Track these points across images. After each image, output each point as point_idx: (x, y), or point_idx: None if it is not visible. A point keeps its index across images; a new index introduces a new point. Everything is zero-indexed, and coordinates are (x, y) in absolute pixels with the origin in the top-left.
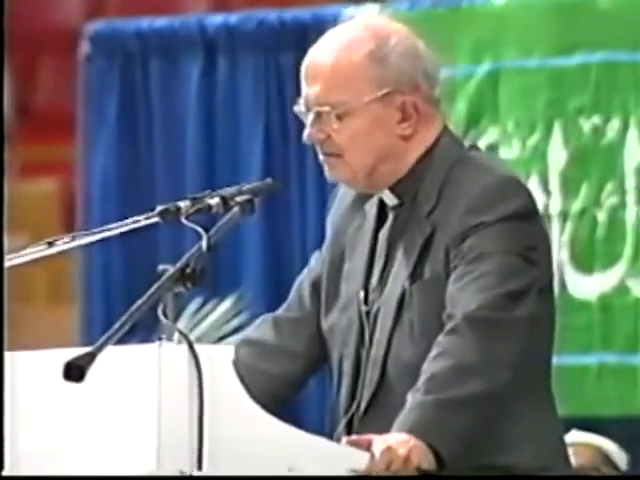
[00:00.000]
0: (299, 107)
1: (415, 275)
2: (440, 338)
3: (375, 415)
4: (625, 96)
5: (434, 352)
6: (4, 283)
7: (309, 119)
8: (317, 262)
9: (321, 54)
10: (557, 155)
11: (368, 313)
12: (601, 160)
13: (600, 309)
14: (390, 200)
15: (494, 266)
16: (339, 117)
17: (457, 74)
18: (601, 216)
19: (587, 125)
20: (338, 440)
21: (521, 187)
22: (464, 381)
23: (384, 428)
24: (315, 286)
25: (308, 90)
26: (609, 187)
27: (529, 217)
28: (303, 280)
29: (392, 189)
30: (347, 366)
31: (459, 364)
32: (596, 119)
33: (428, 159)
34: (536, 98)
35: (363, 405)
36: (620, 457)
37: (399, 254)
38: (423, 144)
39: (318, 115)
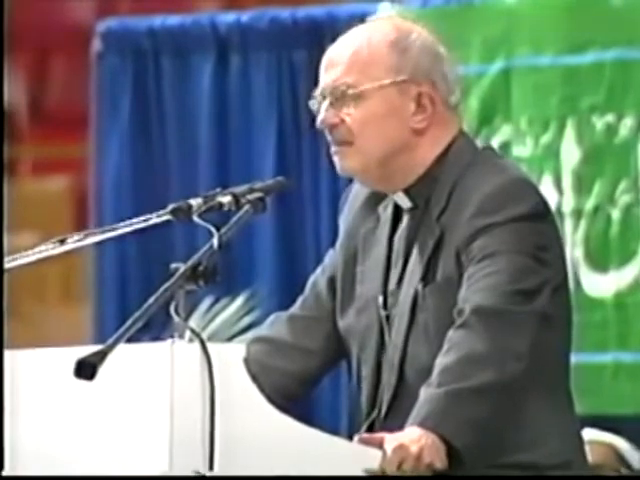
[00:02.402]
0: (314, 98)
1: (427, 278)
2: (450, 333)
3: (396, 418)
4: (639, 94)
5: (445, 347)
6: (4, 283)
7: (322, 106)
8: (332, 260)
9: (342, 44)
10: (570, 153)
11: (388, 317)
12: (614, 158)
13: (615, 307)
14: (404, 203)
15: (504, 265)
16: (354, 99)
17: (469, 72)
18: (615, 214)
19: (600, 123)
20: None
21: (531, 188)
22: (474, 371)
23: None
24: (331, 284)
25: (326, 77)
26: (623, 185)
27: (539, 218)
28: (318, 278)
29: (407, 192)
30: (366, 371)
31: (469, 355)
32: (609, 117)
33: (442, 162)
34: (549, 96)
35: (384, 409)
36: (632, 455)
37: (413, 257)
38: (437, 143)
39: (334, 99)
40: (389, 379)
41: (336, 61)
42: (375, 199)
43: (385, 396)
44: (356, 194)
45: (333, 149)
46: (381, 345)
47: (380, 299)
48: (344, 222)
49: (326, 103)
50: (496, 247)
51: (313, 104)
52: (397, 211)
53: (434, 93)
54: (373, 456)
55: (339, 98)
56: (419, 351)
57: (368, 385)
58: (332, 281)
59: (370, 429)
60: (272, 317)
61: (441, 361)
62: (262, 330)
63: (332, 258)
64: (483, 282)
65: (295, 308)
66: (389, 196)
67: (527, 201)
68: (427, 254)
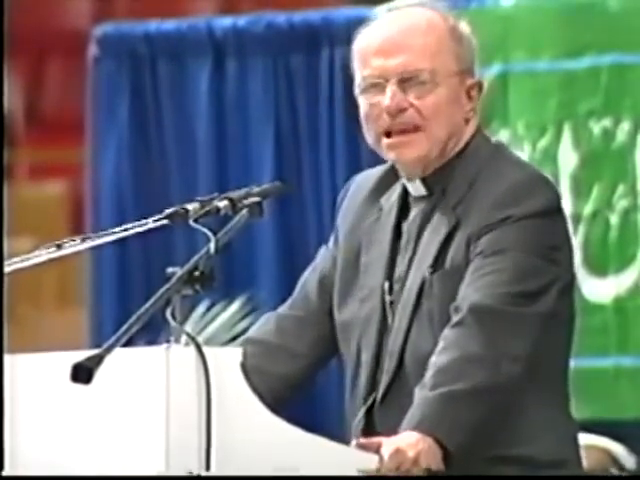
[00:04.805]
0: (370, 80)
1: (437, 265)
2: (446, 331)
3: (392, 404)
4: (636, 98)
5: (440, 346)
6: (4, 284)
7: (390, 90)
8: (324, 259)
9: (398, 29)
10: (568, 158)
11: (392, 303)
12: (612, 163)
13: (615, 312)
14: (417, 191)
15: (510, 263)
16: (428, 84)
17: None
18: (613, 219)
19: (597, 128)
20: (355, 430)
21: (548, 185)
22: (469, 373)
23: (401, 417)
24: (323, 283)
25: (387, 62)
26: (621, 190)
27: (553, 215)
28: (309, 278)
29: (423, 179)
30: (366, 356)
31: (463, 356)
32: (606, 122)
33: (462, 153)
34: (546, 101)
35: (380, 393)
36: (628, 460)
37: (423, 244)
38: (468, 134)
39: (403, 84)
40: (389, 364)
41: (400, 45)
42: (378, 192)
43: (383, 381)
44: (357, 189)
45: (393, 140)
46: (383, 330)
47: (386, 285)
48: (344, 218)
49: (392, 87)
50: (505, 244)
51: (363, 87)
52: (404, 200)
53: (477, 84)
54: (370, 460)
55: (410, 83)
56: (421, 338)
57: (367, 370)
58: (324, 280)
59: (368, 413)
60: (264, 317)
61: (436, 361)
62: (252, 331)
63: (324, 256)
64: (485, 279)
65: (284, 307)
66: (391, 187)
67: (543, 197)
68: (439, 241)
